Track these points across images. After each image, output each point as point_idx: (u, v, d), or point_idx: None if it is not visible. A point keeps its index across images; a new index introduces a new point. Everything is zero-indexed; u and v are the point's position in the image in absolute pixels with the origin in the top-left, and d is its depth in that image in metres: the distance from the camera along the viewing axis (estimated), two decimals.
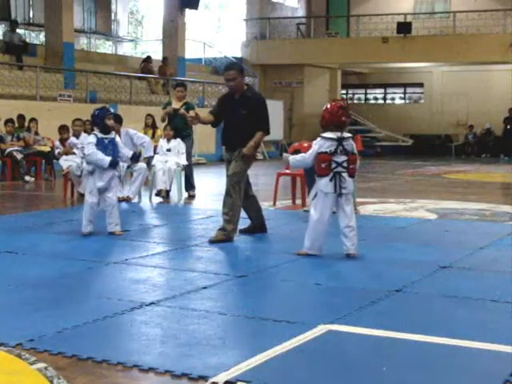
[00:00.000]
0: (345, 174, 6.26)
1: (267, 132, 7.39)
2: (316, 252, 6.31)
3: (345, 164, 6.27)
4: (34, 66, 18.39)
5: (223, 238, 7.08)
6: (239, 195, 7.26)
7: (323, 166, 6.25)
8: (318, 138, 6.37)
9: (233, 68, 7.36)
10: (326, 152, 6.26)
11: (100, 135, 7.48)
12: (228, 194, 7.24)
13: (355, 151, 6.41)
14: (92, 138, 7.50)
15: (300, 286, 5.35)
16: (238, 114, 7.26)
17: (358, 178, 10.41)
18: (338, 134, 6.28)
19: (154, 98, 21.40)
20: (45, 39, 21.29)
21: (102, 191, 7.41)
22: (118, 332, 4.11)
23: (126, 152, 7.71)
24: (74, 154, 11.28)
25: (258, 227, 7.62)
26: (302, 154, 6.54)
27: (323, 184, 6.27)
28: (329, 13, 30.82)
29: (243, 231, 7.58)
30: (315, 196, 6.36)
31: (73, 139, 11.55)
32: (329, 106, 6.42)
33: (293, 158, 6.60)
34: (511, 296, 4.93)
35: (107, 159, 7.35)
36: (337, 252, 6.32)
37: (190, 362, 3.54)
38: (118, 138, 7.69)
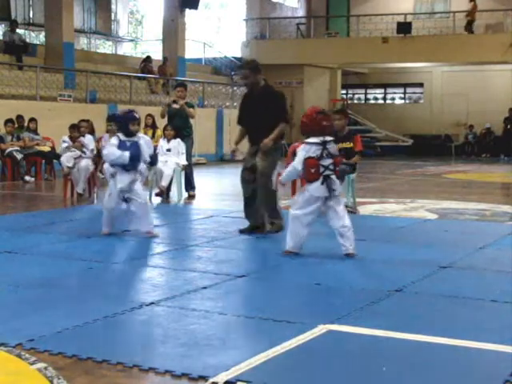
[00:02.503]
0: (333, 177, 6.27)
1: (285, 121, 7.64)
2: (297, 250, 6.36)
3: (331, 167, 6.28)
4: (34, 66, 18.39)
5: (276, 230, 7.41)
6: (271, 189, 7.48)
7: (312, 171, 6.23)
8: (302, 145, 6.38)
9: (245, 67, 7.67)
10: (313, 157, 6.25)
11: (123, 137, 7.43)
12: (262, 193, 7.43)
13: (338, 154, 6.49)
14: (114, 140, 7.48)
15: (300, 286, 5.35)
16: (257, 109, 7.54)
17: (358, 178, 10.43)
18: (321, 137, 6.28)
19: (154, 98, 21.40)
20: (45, 39, 21.30)
21: (125, 194, 7.38)
22: (118, 332, 4.11)
23: (147, 157, 7.61)
24: (82, 151, 11.25)
25: (260, 227, 7.64)
26: (291, 165, 6.49)
27: (314, 188, 6.25)
28: (329, 13, 30.81)
29: (243, 231, 7.58)
30: (304, 198, 6.34)
31: (82, 140, 11.53)
32: (308, 111, 6.45)
33: (284, 176, 6.58)
34: (511, 296, 4.93)
35: (126, 154, 7.28)
36: (336, 252, 6.32)
37: (190, 362, 3.54)
38: (142, 141, 7.49)
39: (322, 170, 6.22)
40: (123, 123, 7.46)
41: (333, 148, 6.35)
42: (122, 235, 7.43)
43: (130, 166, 7.33)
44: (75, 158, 11.14)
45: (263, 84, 7.68)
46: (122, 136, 7.44)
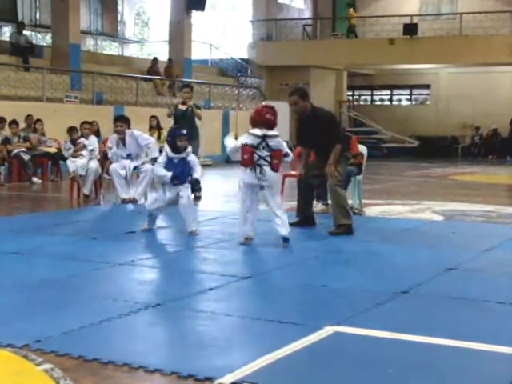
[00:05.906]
0: (266, 168, 6.72)
1: (337, 142, 7.85)
2: (251, 234, 6.95)
3: (268, 158, 6.72)
4: (41, 68, 18.42)
5: (344, 231, 7.55)
6: (341, 193, 7.76)
7: (245, 157, 6.74)
8: (246, 133, 6.89)
9: (294, 93, 7.93)
10: (249, 144, 6.72)
11: (170, 154, 7.57)
12: (331, 197, 7.80)
13: (282, 148, 6.83)
14: (162, 158, 7.68)
15: (306, 288, 5.35)
16: (308, 133, 7.94)
17: (364, 179, 10.41)
18: (264, 130, 6.71)
19: (161, 100, 21.43)
20: (51, 41, 21.34)
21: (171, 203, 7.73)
22: (123, 333, 4.11)
23: (196, 173, 7.73)
24: (82, 154, 11.33)
25: (309, 221, 8.15)
26: (235, 142, 6.96)
27: (245, 174, 6.78)
28: (335, 14, 30.83)
29: (293, 224, 7.96)
30: (242, 183, 6.88)
31: (83, 140, 11.57)
32: (257, 107, 7.06)
33: (228, 146, 7.01)
34: None
35: (169, 175, 7.47)
36: (342, 253, 6.32)
37: (196, 364, 3.54)
38: (191, 157, 7.66)
39: (256, 158, 6.71)
40: (172, 139, 7.63)
41: (274, 142, 6.76)
42: (127, 237, 7.45)
43: (177, 182, 7.51)
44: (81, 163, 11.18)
45: (310, 108, 7.94)
46: (169, 152, 7.59)
